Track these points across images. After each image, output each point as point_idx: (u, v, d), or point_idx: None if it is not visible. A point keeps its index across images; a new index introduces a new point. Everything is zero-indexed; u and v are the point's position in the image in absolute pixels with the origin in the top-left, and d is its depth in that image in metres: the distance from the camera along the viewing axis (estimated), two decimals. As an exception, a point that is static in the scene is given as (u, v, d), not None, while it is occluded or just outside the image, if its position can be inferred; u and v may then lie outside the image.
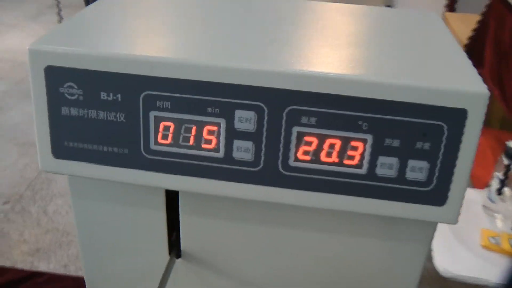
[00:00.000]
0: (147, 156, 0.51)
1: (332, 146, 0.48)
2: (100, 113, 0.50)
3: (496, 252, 1.33)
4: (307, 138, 0.48)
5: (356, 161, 0.48)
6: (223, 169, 0.50)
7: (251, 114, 0.48)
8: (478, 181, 1.83)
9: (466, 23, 2.64)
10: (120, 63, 0.48)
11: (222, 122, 0.48)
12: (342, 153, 0.48)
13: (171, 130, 0.49)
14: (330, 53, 0.52)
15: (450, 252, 1.39)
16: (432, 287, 1.68)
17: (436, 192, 0.48)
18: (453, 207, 0.49)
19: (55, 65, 0.49)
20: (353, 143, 0.47)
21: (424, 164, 0.47)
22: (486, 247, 1.36)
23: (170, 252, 0.63)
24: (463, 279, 1.32)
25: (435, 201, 0.49)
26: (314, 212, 0.56)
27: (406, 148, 0.47)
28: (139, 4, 0.64)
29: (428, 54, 0.53)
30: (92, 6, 0.61)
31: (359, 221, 0.56)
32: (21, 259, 1.80)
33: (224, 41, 0.54)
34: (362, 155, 0.48)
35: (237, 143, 0.49)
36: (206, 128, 0.49)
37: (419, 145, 0.47)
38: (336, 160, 0.48)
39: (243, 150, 0.49)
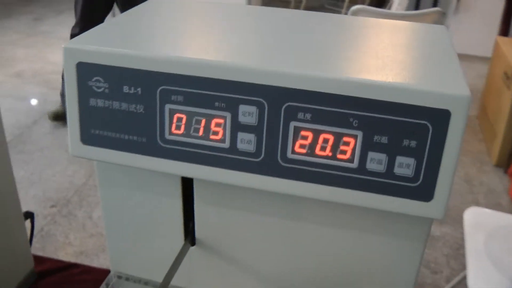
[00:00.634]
0: (162, 144, 0.57)
1: (325, 140, 0.53)
2: (122, 105, 0.57)
3: (534, 281, 1.34)
4: (303, 133, 0.53)
5: (347, 155, 0.53)
6: (228, 158, 0.56)
7: (253, 109, 0.53)
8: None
9: (518, 48, 2.63)
10: (140, 61, 0.55)
11: (228, 115, 0.54)
12: (335, 148, 0.53)
13: (183, 121, 0.56)
14: (326, 56, 0.58)
15: (486, 279, 1.39)
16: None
17: (423, 188, 0.52)
18: (439, 202, 0.53)
19: (85, 61, 0.57)
20: (345, 139, 0.52)
21: (411, 161, 0.52)
22: None
23: (185, 239, 0.69)
24: None
25: (422, 196, 0.53)
26: (317, 206, 0.61)
27: (393, 145, 0.52)
28: (162, 13, 0.72)
29: (421, 60, 0.58)
30: (120, 15, 0.69)
31: (359, 217, 0.61)
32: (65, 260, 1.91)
33: (232, 44, 0.61)
34: (353, 150, 0.53)
35: (240, 135, 0.55)
36: (213, 121, 0.55)
37: (406, 142, 0.51)
38: (330, 154, 0.53)
39: (246, 142, 0.55)
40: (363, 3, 3.97)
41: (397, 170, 0.52)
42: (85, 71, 0.57)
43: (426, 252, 2.20)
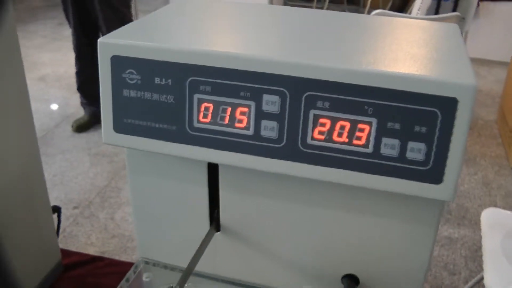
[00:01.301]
0: (190, 132, 0.62)
1: (342, 127, 0.58)
2: (153, 95, 0.62)
3: (548, 276, 1.36)
4: (321, 120, 0.58)
5: (363, 141, 0.58)
6: (252, 145, 0.61)
7: (275, 98, 0.58)
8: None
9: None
10: (171, 54, 0.60)
11: (252, 104, 0.59)
12: (351, 134, 0.58)
13: (211, 110, 0.61)
14: (344, 49, 0.63)
15: (502, 276, 1.42)
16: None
17: (433, 171, 0.57)
18: (449, 185, 0.57)
19: (119, 55, 0.62)
20: (360, 126, 0.57)
21: (422, 146, 0.56)
22: None
23: (210, 226, 0.74)
24: None
25: (432, 179, 0.57)
26: (335, 192, 0.66)
27: (405, 131, 0.56)
28: (187, 11, 0.77)
29: (432, 53, 0.63)
30: (152, 13, 0.75)
31: (374, 202, 0.66)
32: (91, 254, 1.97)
33: (256, 38, 0.66)
34: (368, 136, 0.57)
35: (264, 122, 0.60)
36: (239, 109, 0.60)
37: (417, 128, 0.56)
38: (346, 140, 0.58)
39: (269, 129, 0.60)
40: (384, 8, 4.01)
41: (409, 155, 0.57)
42: (119, 64, 0.63)
43: (445, 254, 2.23)
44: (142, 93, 0.63)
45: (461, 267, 2.17)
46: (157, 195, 0.75)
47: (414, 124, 0.56)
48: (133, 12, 2.74)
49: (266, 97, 0.59)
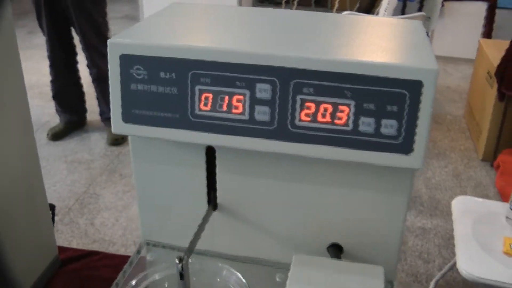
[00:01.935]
0: (192, 119, 0.73)
1: (325, 109, 0.69)
2: (159, 88, 0.73)
3: (517, 258, 1.46)
4: (307, 104, 0.69)
5: (343, 120, 0.69)
6: (248, 128, 0.71)
7: (267, 87, 0.69)
8: (508, 198, 1.98)
9: (500, 49, 2.82)
10: (174, 51, 0.71)
11: (247, 93, 0.70)
12: (333, 115, 0.69)
13: (210, 99, 0.71)
14: (325, 43, 0.74)
15: (473, 258, 1.53)
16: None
17: (404, 144, 0.68)
18: (417, 155, 0.69)
19: (127, 53, 0.72)
20: (341, 107, 0.68)
21: (393, 122, 0.68)
22: (507, 253, 1.49)
23: (208, 206, 0.84)
24: (485, 281, 1.45)
25: (404, 150, 0.69)
26: (320, 168, 0.77)
27: (379, 110, 0.68)
28: (184, 14, 0.88)
29: (400, 44, 0.75)
30: (150, 16, 0.85)
31: (354, 176, 0.77)
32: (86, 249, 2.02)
33: (248, 35, 0.77)
34: (348, 116, 0.69)
35: (257, 108, 0.70)
36: (235, 97, 0.71)
37: (389, 108, 0.67)
38: (329, 120, 0.69)
39: (262, 113, 0.70)
40: (351, 9, 4.17)
41: (383, 130, 0.68)
42: (127, 61, 0.73)
43: (419, 243, 2.37)
44: (149, 86, 0.73)
45: (435, 255, 2.30)
46: (159, 180, 0.85)
47: (386, 104, 0.67)
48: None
49: (259, 86, 0.70)
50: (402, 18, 2.78)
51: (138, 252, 0.88)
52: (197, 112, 0.72)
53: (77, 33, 2.77)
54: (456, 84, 4.02)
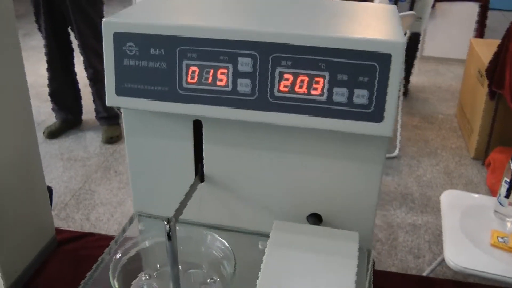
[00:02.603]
0: (180, 92, 0.79)
1: (302, 81, 0.75)
2: (149, 63, 0.79)
3: (504, 250, 1.54)
4: (285, 76, 0.76)
5: (319, 91, 0.75)
6: (231, 99, 0.78)
7: (248, 60, 0.76)
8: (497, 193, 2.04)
9: (490, 48, 2.89)
10: (163, 29, 0.77)
11: (230, 66, 0.77)
12: (309, 86, 0.75)
13: (196, 73, 0.78)
14: (301, 20, 0.81)
15: (461, 250, 1.59)
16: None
17: (375, 112, 0.75)
18: (387, 123, 0.75)
19: (120, 31, 0.79)
20: (316, 79, 0.75)
21: (365, 93, 0.74)
22: (494, 246, 1.56)
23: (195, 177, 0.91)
24: (472, 272, 1.51)
25: (375, 119, 0.75)
26: (298, 138, 0.84)
27: (352, 81, 0.74)
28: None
29: (372, 23, 0.81)
30: None
31: (330, 145, 0.84)
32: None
33: (231, 13, 0.85)
34: (323, 87, 0.75)
35: (240, 80, 0.77)
36: (219, 71, 0.77)
37: (360, 79, 0.74)
38: (306, 91, 0.76)
39: (244, 85, 0.77)
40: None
41: (356, 100, 0.75)
42: (120, 39, 0.79)
43: (409, 239, 2.43)
44: (140, 62, 0.79)
45: (425, 251, 2.37)
46: (149, 153, 0.91)
47: (358, 75, 0.74)
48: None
49: (240, 59, 0.76)
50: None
51: (130, 222, 0.95)
52: (184, 85, 0.79)
53: (74, 33, 2.84)
54: (448, 84, 4.11)
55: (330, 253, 0.78)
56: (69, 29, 2.89)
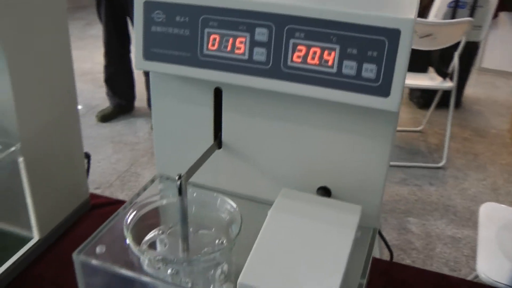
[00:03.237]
0: (201, 58, 0.85)
1: (314, 53, 0.80)
2: (174, 30, 0.85)
3: (538, 266, 1.52)
4: (299, 47, 0.80)
5: (329, 63, 0.80)
6: (247, 67, 0.83)
7: (265, 31, 0.81)
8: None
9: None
10: (189, -3, 0.84)
11: (248, 35, 0.82)
12: (321, 58, 0.80)
13: (217, 41, 0.84)
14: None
15: (494, 263, 1.58)
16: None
17: (382, 87, 0.78)
18: (394, 98, 0.78)
19: (150, 0, 0.86)
20: (327, 51, 0.79)
21: (373, 67, 0.78)
22: None
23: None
24: (502, 286, 1.50)
25: (382, 93, 0.79)
26: (311, 111, 0.88)
27: (361, 55, 0.78)
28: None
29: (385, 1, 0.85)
30: None
31: (340, 118, 0.87)
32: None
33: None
34: (334, 59, 0.79)
35: (256, 49, 0.82)
36: (238, 40, 0.83)
37: (369, 53, 0.78)
38: (317, 62, 0.80)
39: (260, 54, 0.82)
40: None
41: (364, 74, 0.79)
42: (149, 7, 0.86)
43: (447, 251, 2.41)
44: (166, 28, 0.86)
45: (462, 265, 2.34)
46: (173, 118, 0.98)
47: (367, 50, 0.78)
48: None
49: (257, 30, 0.81)
50: (447, 22, 2.84)
51: (152, 181, 1.01)
52: (205, 51, 0.85)
53: (132, 23, 2.97)
54: (504, 98, 4.02)
55: (330, 223, 0.82)
56: (128, 18, 3.02)
